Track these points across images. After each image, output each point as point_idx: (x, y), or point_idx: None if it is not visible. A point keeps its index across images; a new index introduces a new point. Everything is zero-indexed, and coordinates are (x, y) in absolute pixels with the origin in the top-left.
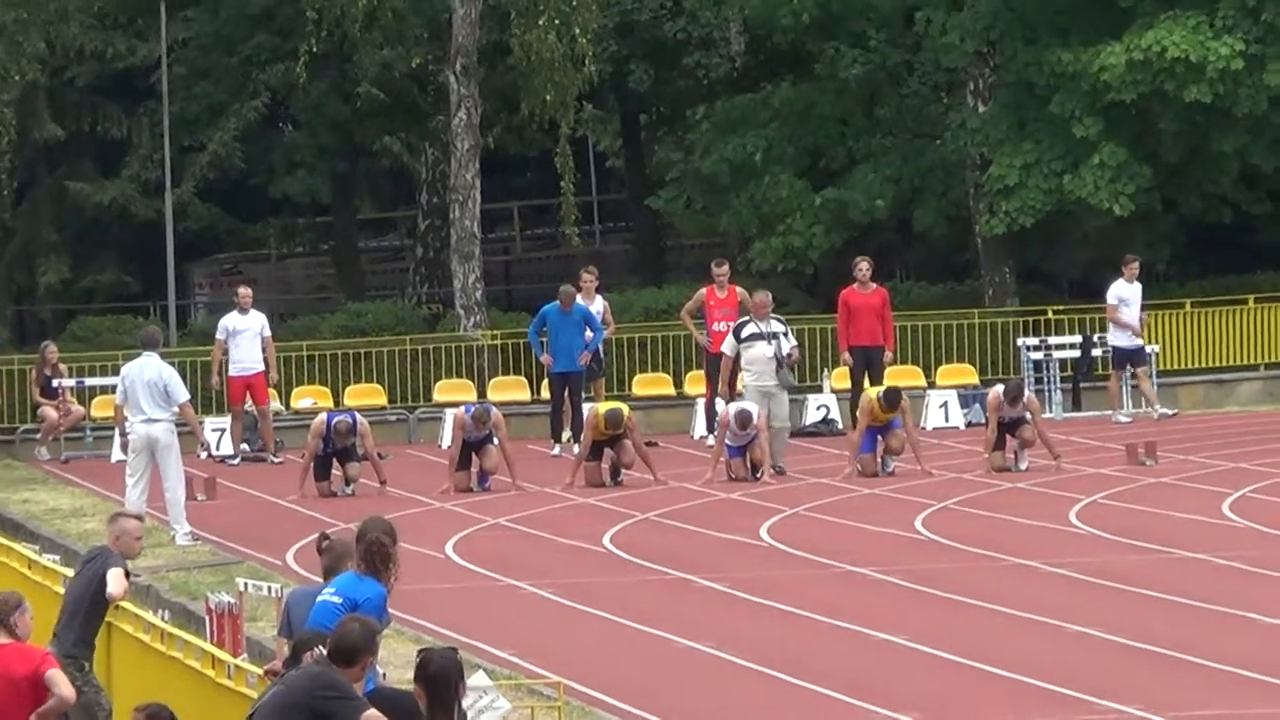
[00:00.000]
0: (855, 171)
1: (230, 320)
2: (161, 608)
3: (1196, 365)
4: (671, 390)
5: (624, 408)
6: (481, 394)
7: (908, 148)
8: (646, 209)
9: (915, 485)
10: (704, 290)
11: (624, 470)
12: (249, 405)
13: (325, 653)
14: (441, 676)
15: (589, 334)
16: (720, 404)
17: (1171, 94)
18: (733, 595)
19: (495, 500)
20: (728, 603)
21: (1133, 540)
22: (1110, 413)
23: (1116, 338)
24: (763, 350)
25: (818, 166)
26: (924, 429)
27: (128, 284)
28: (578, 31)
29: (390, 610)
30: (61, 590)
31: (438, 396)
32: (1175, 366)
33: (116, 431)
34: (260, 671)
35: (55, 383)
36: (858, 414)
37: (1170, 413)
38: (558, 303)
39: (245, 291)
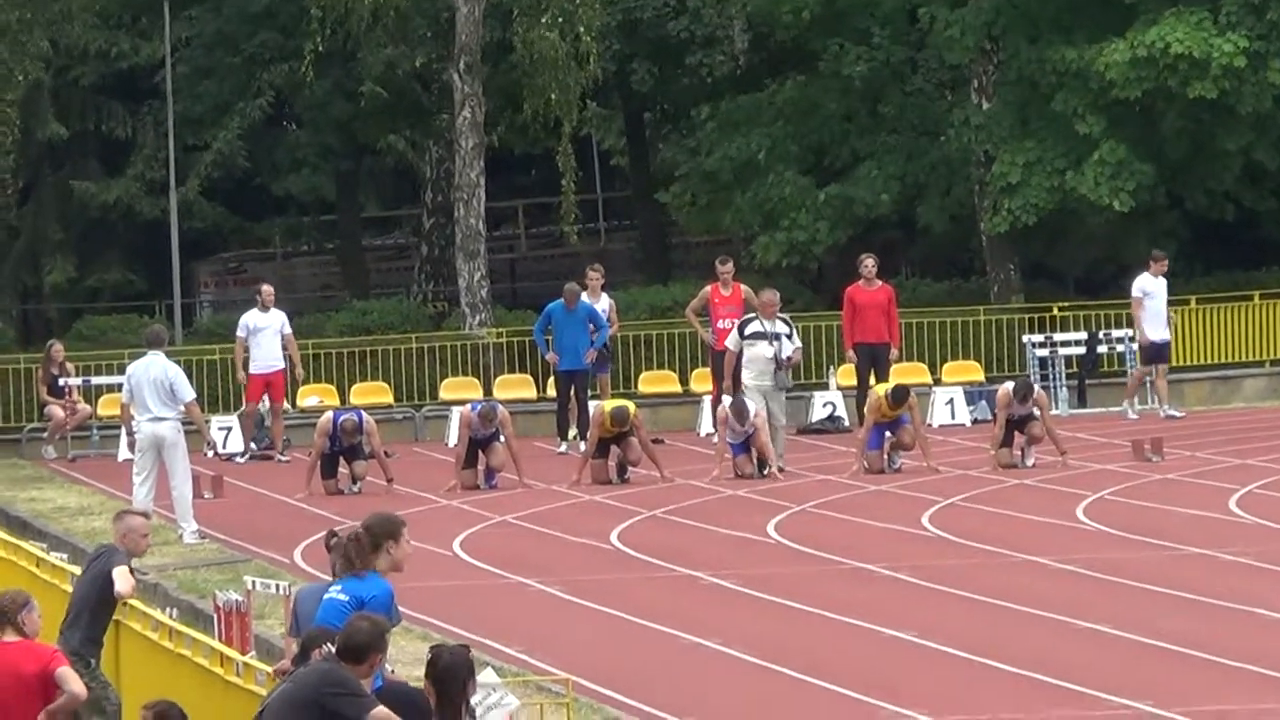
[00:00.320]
0: (859, 169)
1: (251, 318)
2: (169, 605)
3: (1202, 361)
4: (677, 387)
5: (630, 405)
6: (487, 392)
7: (912, 145)
8: (651, 207)
9: (922, 482)
10: (709, 288)
11: (630, 467)
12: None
13: (334, 650)
14: (449, 673)
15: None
16: (724, 400)
17: (1175, 91)
18: (740, 592)
19: (502, 498)
20: (735, 599)
21: (1139, 536)
22: (1124, 405)
23: (1150, 331)
24: (763, 350)
25: (822, 164)
26: (930, 426)
27: (133, 283)
28: (581, 30)
29: (399, 608)
30: (69, 588)
31: (444, 394)
32: (1181, 363)
33: (123, 430)
34: (269, 670)
35: (62, 381)
36: (865, 411)
37: (1178, 414)
38: (563, 300)
39: (268, 289)
